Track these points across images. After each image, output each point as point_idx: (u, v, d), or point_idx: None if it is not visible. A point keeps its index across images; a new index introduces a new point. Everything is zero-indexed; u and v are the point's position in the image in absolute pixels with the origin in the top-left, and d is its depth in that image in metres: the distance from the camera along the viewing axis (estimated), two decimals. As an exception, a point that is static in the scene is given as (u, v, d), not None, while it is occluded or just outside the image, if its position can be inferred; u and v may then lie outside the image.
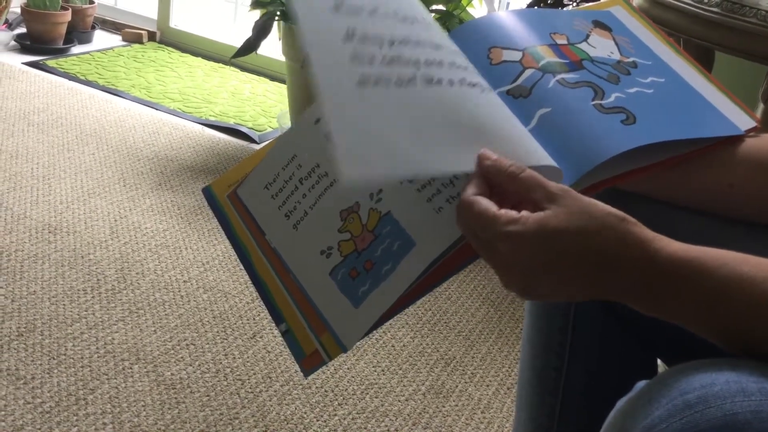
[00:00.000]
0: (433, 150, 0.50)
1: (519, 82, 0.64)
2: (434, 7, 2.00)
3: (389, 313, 0.58)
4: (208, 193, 0.69)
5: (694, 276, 0.50)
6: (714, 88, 0.73)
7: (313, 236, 0.61)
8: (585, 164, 0.58)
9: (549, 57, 0.65)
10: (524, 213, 0.50)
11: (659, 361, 0.81)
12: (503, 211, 0.50)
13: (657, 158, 0.64)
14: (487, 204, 0.51)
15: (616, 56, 0.69)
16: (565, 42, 0.68)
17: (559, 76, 0.64)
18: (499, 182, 0.52)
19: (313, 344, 0.59)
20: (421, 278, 0.57)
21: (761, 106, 1.37)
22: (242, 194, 0.67)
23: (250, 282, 0.66)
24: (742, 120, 0.70)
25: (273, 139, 0.62)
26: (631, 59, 0.69)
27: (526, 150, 0.56)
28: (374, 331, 1.40)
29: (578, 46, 0.68)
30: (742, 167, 0.66)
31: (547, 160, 0.57)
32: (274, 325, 1.38)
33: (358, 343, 1.37)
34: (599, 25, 0.72)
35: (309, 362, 0.59)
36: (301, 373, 0.66)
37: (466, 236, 0.54)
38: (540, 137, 0.60)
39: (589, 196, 0.53)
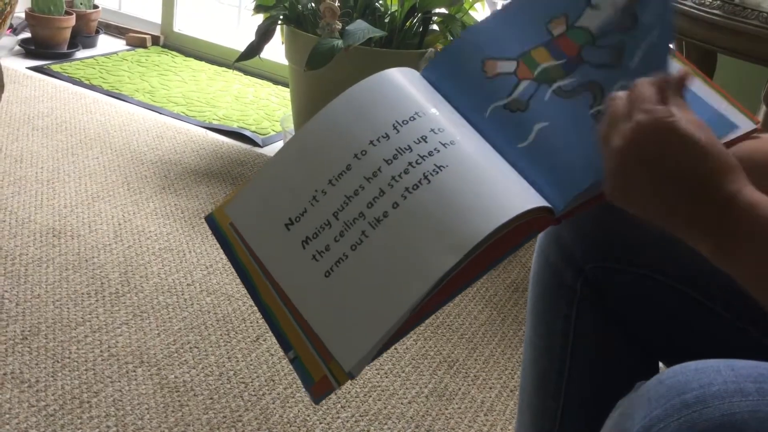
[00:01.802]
0: (413, 270, 0.56)
1: (515, 95, 0.64)
2: (437, 10, 2.00)
3: (394, 337, 0.58)
4: (211, 220, 0.68)
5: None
6: (711, 90, 0.73)
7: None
8: (581, 182, 0.59)
9: (545, 63, 0.65)
10: (672, 108, 0.53)
11: (660, 365, 0.81)
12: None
13: None
14: (650, 87, 0.55)
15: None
16: (563, 29, 0.67)
17: (555, 85, 0.64)
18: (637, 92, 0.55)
19: (322, 370, 0.58)
20: (424, 300, 0.57)
21: (763, 108, 1.37)
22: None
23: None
24: (740, 122, 0.70)
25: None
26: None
27: (511, 199, 0.59)
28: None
29: (579, 25, 0.66)
30: (744, 166, 0.66)
31: (534, 202, 0.59)
32: (277, 328, 1.38)
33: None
34: None
35: (318, 389, 0.58)
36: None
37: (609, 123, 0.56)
38: (538, 153, 0.61)
39: (586, 210, 0.54)
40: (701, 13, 1.46)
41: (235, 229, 0.65)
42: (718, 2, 1.45)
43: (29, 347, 1.24)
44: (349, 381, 0.58)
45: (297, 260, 0.60)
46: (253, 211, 0.65)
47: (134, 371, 1.22)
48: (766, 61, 1.42)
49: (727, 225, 0.51)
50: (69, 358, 1.23)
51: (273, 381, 1.25)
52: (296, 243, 0.61)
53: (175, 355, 1.27)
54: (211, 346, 1.31)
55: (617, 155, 0.54)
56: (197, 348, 1.30)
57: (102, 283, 1.43)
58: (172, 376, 1.22)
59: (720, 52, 1.48)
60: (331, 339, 0.57)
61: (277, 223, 0.63)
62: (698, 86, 0.71)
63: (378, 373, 1.31)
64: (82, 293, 1.39)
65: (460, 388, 1.31)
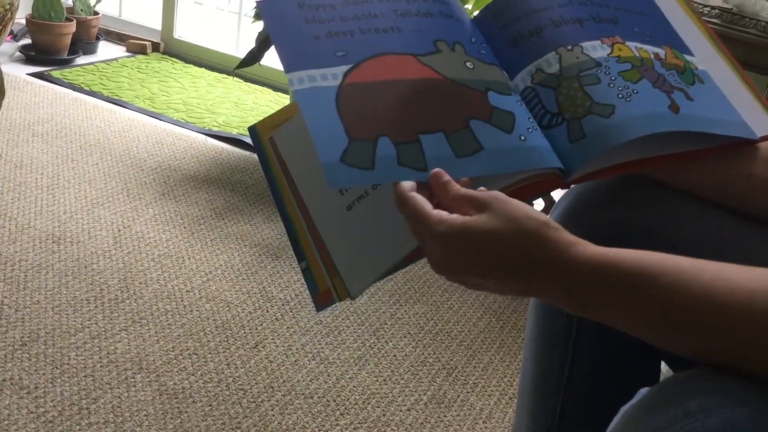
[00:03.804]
0: None
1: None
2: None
3: (398, 266, 0.62)
4: (253, 131, 0.75)
5: (608, 279, 0.51)
6: (744, 87, 0.73)
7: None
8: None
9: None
10: (454, 215, 0.55)
11: (663, 368, 0.81)
12: (435, 211, 0.55)
13: (667, 150, 0.65)
14: (421, 202, 0.56)
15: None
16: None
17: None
18: (438, 197, 0.58)
19: (326, 283, 0.64)
20: None
21: None
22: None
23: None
24: (765, 124, 0.70)
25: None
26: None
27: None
28: (375, 340, 1.40)
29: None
30: (762, 162, 0.67)
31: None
32: (276, 334, 1.38)
33: (359, 352, 1.37)
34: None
35: (322, 299, 0.64)
36: (315, 310, 0.76)
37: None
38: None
39: (593, 178, 0.59)
40: (700, 22, 1.47)
41: (274, 145, 0.72)
42: (717, 11, 1.46)
43: (28, 353, 1.23)
44: (350, 301, 0.65)
45: (326, 191, 0.65)
46: (296, 140, 0.72)
47: (133, 378, 1.22)
48: (765, 69, 1.43)
49: (568, 291, 0.53)
50: (68, 364, 1.23)
51: (272, 388, 1.25)
52: None
53: (174, 361, 1.27)
54: (210, 353, 1.31)
55: (438, 268, 0.56)
56: (196, 354, 1.30)
57: (101, 289, 1.43)
58: (171, 382, 1.22)
59: (719, 61, 1.48)
60: (342, 264, 0.63)
61: (315, 155, 0.68)
62: (730, 82, 0.72)
63: (377, 380, 1.31)
64: (82, 299, 1.39)
65: (459, 396, 1.31)
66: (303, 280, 0.69)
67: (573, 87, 0.64)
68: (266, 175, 0.73)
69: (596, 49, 0.67)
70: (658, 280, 0.50)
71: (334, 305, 0.66)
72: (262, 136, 0.75)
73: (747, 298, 0.47)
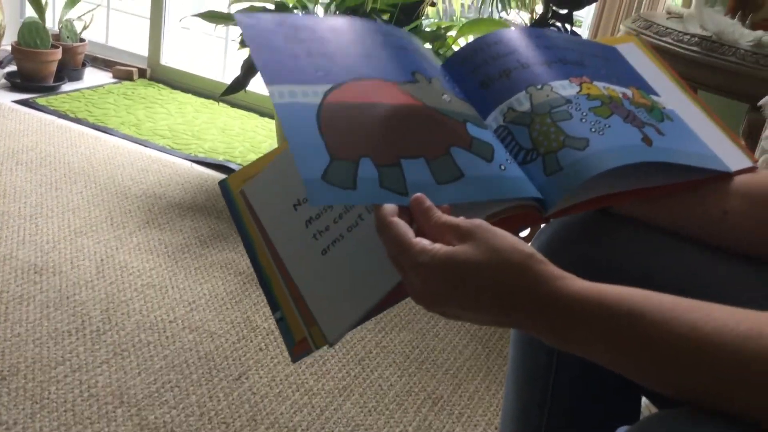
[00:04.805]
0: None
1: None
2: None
3: (375, 311, 0.61)
4: (224, 186, 0.76)
5: (593, 313, 0.51)
6: (716, 127, 0.74)
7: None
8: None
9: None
10: (436, 245, 0.53)
11: (643, 402, 0.81)
12: (417, 240, 0.54)
13: (642, 184, 0.65)
14: (404, 229, 0.54)
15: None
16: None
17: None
18: (419, 223, 0.56)
19: (303, 332, 0.63)
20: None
21: (742, 144, 1.38)
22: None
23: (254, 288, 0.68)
24: (739, 159, 0.71)
25: (284, 142, 0.67)
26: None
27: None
28: (360, 369, 1.39)
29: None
30: (737, 198, 0.67)
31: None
32: (259, 365, 1.37)
33: (344, 383, 1.36)
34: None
35: (298, 348, 0.64)
36: (290, 360, 0.78)
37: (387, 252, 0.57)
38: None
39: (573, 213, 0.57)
40: (680, 50, 1.48)
41: (245, 197, 0.73)
42: (697, 39, 1.47)
43: (8, 388, 1.22)
44: (327, 348, 0.63)
45: (300, 237, 0.66)
46: (267, 191, 0.72)
47: (114, 412, 1.20)
48: (744, 96, 1.44)
49: (551, 325, 0.52)
50: (48, 398, 1.21)
51: (255, 421, 1.23)
52: (301, 222, 0.67)
53: (156, 395, 1.26)
54: (193, 386, 1.29)
55: (417, 297, 0.55)
56: (178, 387, 1.28)
57: (83, 320, 1.42)
58: (152, 416, 1.20)
59: (699, 88, 1.50)
60: (319, 310, 0.63)
61: (287, 204, 0.69)
62: (701, 123, 0.72)
63: (362, 411, 1.30)
64: (63, 331, 1.38)
65: (444, 426, 1.30)
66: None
67: (546, 123, 0.64)
68: (238, 228, 0.73)
69: (565, 88, 0.67)
70: (644, 316, 0.49)
71: (311, 353, 0.65)
72: (233, 190, 0.75)
73: (736, 338, 0.47)
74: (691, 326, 0.48)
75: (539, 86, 0.67)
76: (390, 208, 0.56)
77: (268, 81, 0.59)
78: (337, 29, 0.67)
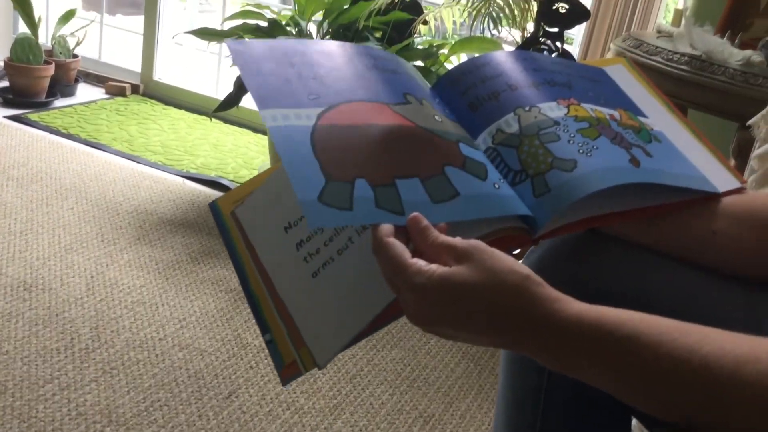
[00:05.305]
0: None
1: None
2: (413, 63, 2.03)
3: (365, 333, 0.60)
4: (214, 207, 0.76)
5: (590, 336, 0.50)
6: (704, 149, 0.74)
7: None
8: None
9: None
10: (433, 266, 0.53)
11: (633, 421, 0.80)
12: (413, 261, 0.53)
13: (631, 205, 0.66)
14: (400, 250, 0.54)
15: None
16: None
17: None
18: (416, 243, 0.56)
19: (292, 355, 0.63)
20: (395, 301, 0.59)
21: (732, 162, 1.39)
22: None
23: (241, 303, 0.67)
24: (727, 180, 0.71)
25: (276, 164, 0.66)
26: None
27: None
28: (352, 387, 1.39)
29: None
30: (725, 219, 0.67)
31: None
32: (250, 383, 1.36)
33: (335, 401, 1.35)
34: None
35: (287, 371, 0.63)
36: (281, 383, 0.72)
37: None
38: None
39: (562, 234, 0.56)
40: (670, 69, 1.49)
41: (237, 219, 0.72)
42: (686, 58, 1.48)
43: (-6, 407, 1.21)
44: (317, 370, 0.62)
45: (291, 260, 0.66)
46: (259, 213, 0.72)
47: (102, 431, 1.19)
48: (734, 115, 1.45)
49: (546, 346, 0.52)
50: (36, 417, 1.20)
51: (245, 440, 1.22)
52: (292, 245, 0.67)
53: (145, 413, 1.24)
54: (182, 404, 1.28)
55: (413, 318, 0.55)
56: (167, 406, 1.27)
57: (72, 338, 1.41)
58: (141, 435, 1.19)
59: (689, 107, 1.51)
60: (309, 333, 0.62)
61: (278, 226, 0.69)
62: (689, 144, 0.73)
63: (353, 430, 1.29)
64: (52, 349, 1.37)
65: (435, 445, 1.29)
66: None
67: (534, 144, 0.65)
68: (228, 249, 0.72)
69: (553, 110, 0.67)
70: (640, 339, 0.49)
71: (300, 377, 0.64)
72: (223, 212, 0.75)
73: (734, 363, 0.47)
74: (688, 349, 0.48)
75: (527, 108, 0.67)
76: (386, 228, 0.56)
77: (261, 106, 0.59)
78: (327, 53, 0.67)
